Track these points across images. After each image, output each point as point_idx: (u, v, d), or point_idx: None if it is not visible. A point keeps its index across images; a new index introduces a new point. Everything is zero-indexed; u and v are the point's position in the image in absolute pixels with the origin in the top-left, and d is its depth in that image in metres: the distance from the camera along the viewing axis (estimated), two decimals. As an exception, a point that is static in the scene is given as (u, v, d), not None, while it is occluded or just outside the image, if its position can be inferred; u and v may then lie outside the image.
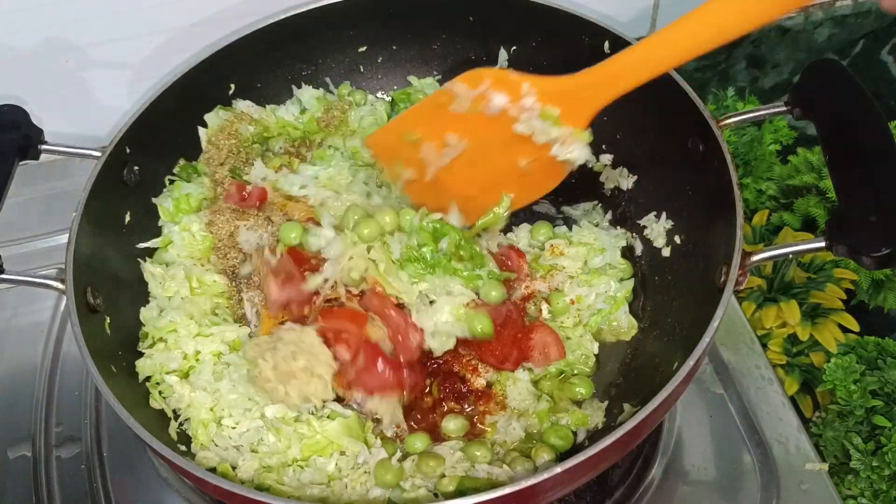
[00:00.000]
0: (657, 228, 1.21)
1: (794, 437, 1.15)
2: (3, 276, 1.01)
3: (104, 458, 1.18)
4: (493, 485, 0.94)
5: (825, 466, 1.12)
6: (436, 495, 0.98)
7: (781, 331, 1.42)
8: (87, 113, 1.36)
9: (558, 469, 0.83)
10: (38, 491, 1.16)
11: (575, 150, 1.03)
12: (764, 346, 1.31)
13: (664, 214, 1.21)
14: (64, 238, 1.05)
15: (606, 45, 1.20)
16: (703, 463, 1.14)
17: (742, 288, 0.97)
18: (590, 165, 1.30)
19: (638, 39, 1.21)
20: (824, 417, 1.31)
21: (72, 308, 0.99)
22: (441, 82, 1.37)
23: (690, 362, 0.89)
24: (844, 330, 1.42)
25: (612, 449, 0.86)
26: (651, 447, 1.15)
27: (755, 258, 0.96)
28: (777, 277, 1.45)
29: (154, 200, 1.22)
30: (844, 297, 1.45)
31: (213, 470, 0.99)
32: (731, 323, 1.27)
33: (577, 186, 1.28)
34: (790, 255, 1.00)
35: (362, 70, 1.37)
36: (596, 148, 1.30)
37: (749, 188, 1.55)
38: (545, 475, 0.83)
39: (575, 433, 1.07)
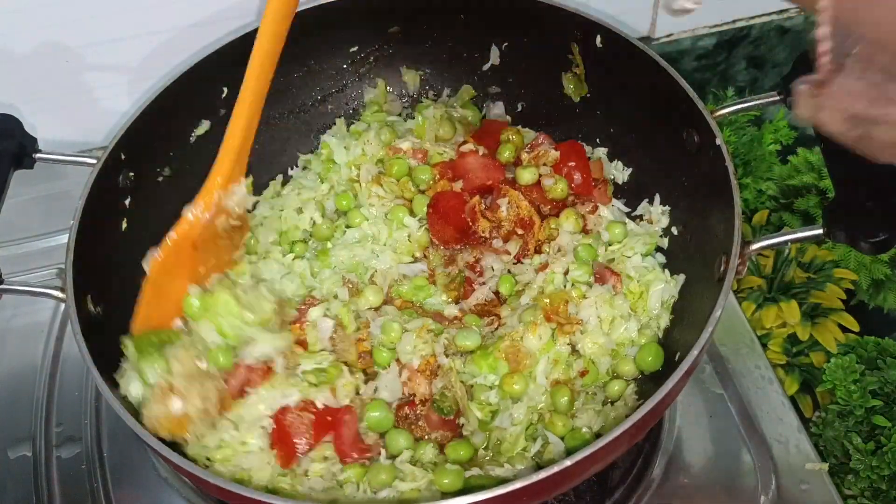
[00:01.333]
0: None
1: (794, 436, 1.15)
2: (4, 286, 1.01)
3: (104, 458, 1.18)
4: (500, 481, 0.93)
5: (825, 466, 1.12)
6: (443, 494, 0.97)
7: (781, 331, 1.41)
8: (86, 115, 1.36)
9: (568, 462, 0.83)
10: (38, 491, 1.16)
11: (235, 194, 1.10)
12: (764, 346, 1.31)
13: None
14: (64, 238, 1.05)
15: (598, 39, 1.20)
16: (703, 463, 1.14)
17: (742, 277, 0.98)
18: (586, 159, 1.31)
19: (638, 38, 1.22)
20: (824, 417, 1.31)
21: (73, 318, 0.98)
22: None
23: (695, 352, 0.90)
24: (844, 330, 1.42)
25: (619, 440, 0.86)
26: (651, 447, 1.15)
27: (754, 247, 0.97)
28: (777, 277, 1.45)
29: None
30: (844, 297, 1.45)
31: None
32: (731, 323, 1.27)
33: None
34: (788, 243, 1.01)
35: (353, 70, 1.37)
36: (591, 142, 1.31)
37: (749, 188, 1.55)
38: (555, 469, 0.82)
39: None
